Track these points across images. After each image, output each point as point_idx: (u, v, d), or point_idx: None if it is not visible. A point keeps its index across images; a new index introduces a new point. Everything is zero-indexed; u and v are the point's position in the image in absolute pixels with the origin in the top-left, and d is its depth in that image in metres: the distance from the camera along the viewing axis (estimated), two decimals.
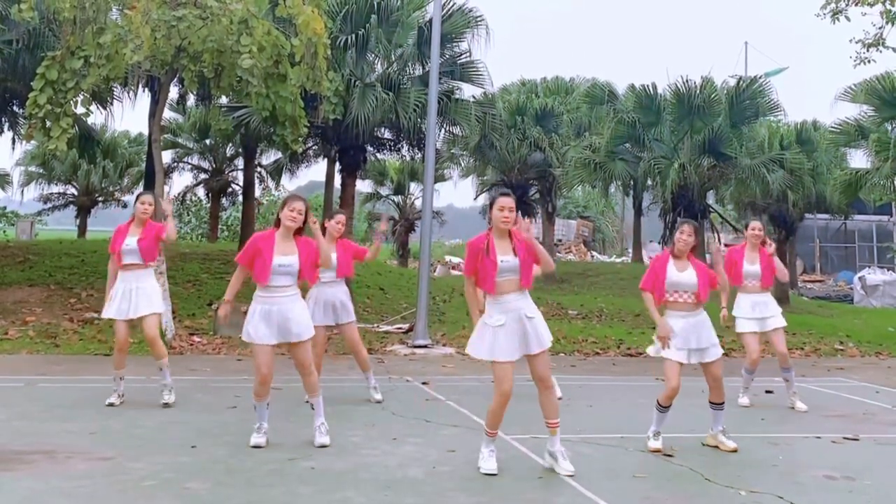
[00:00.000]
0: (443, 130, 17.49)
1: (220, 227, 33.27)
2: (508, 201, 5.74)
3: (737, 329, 8.56)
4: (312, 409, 6.47)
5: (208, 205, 33.30)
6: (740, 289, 8.51)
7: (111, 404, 7.65)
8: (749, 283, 8.47)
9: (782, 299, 24.16)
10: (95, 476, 5.43)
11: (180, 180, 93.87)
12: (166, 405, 7.71)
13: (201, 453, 6.04)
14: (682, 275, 6.45)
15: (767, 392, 9.17)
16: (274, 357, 6.26)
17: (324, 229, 8.11)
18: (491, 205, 5.89)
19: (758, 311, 8.41)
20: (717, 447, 6.57)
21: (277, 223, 6.30)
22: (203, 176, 31.91)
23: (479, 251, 5.71)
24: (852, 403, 9.16)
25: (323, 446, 6.27)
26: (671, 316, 6.49)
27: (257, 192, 29.84)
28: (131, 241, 7.69)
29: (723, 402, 6.57)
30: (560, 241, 41.47)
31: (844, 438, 7.25)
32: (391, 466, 5.84)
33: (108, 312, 7.74)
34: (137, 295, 7.65)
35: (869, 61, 17.21)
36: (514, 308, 5.64)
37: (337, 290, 8.11)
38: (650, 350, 6.72)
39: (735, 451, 6.46)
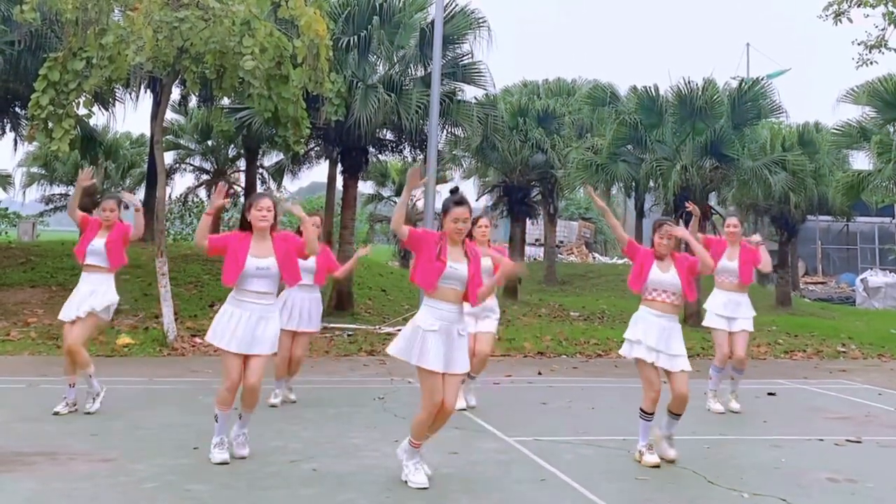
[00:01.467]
0: (444, 132, 17.49)
1: (221, 228, 33.20)
2: (463, 212, 5.38)
3: (706, 323, 8.45)
4: (240, 418, 6.06)
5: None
6: (717, 283, 8.41)
7: (56, 413, 7.22)
8: (724, 279, 8.33)
9: (784, 301, 24.31)
10: (97, 478, 5.42)
11: (182, 181, 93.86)
12: (88, 413, 7.31)
13: (203, 455, 6.02)
14: (664, 275, 6.24)
15: (770, 394, 9.15)
16: (242, 363, 5.89)
17: (299, 232, 8.06)
18: (445, 211, 5.46)
19: (729, 310, 8.28)
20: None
21: (247, 227, 5.95)
22: (205, 177, 31.93)
23: (431, 242, 5.36)
24: (855, 406, 9.14)
25: (242, 458, 5.94)
26: (645, 313, 6.27)
27: None
28: (98, 243, 7.36)
29: (680, 415, 6.27)
30: (562, 242, 41.45)
31: (847, 441, 7.23)
32: (393, 468, 5.82)
33: (62, 313, 7.41)
34: (87, 296, 7.31)
35: (871, 63, 17.21)
36: (448, 319, 5.34)
37: (310, 295, 7.97)
38: (622, 350, 6.44)
39: (673, 461, 6.16)
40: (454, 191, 5.66)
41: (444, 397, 5.33)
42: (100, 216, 7.51)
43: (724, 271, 8.30)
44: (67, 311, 7.38)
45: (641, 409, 6.24)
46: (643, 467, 6.08)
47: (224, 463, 5.82)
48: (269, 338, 5.90)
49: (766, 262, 8.35)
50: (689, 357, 6.32)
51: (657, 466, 6.08)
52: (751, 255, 8.33)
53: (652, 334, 6.18)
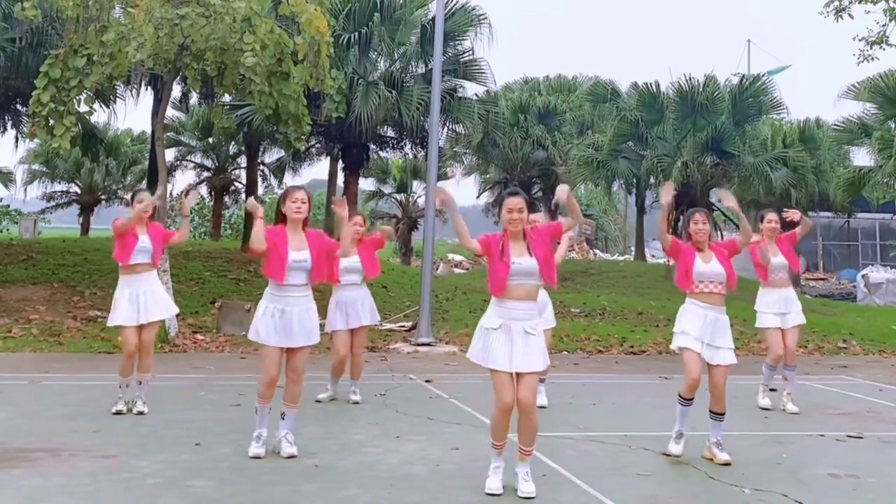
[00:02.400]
0: (445, 128, 17.53)
1: (222, 225, 33.29)
2: (517, 202, 5.31)
3: (759, 324, 8.34)
4: (283, 418, 6.05)
5: (211, 203, 33.36)
6: (766, 283, 8.30)
7: (119, 412, 7.24)
8: (776, 276, 8.23)
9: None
10: (99, 474, 5.43)
11: (183, 178, 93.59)
12: (141, 413, 7.26)
13: (205, 451, 6.04)
14: (707, 266, 6.21)
15: (771, 390, 9.14)
16: (282, 358, 5.97)
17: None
18: (500, 205, 5.50)
19: (782, 307, 8.19)
20: (711, 459, 6.22)
21: (282, 219, 5.99)
22: (206, 174, 31.95)
23: (494, 244, 5.31)
24: (856, 401, 9.15)
25: (291, 457, 5.90)
26: (692, 306, 6.28)
27: (260, 191, 29.87)
28: (145, 240, 7.25)
29: (723, 413, 6.26)
30: None
31: (848, 436, 7.24)
32: (394, 464, 5.84)
33: (115, 319, 7.23)
34: (148, 299, 7.24)
35: (872, 59, 17.20)
36: (516, 317, 5.20)
37: (360, 292, 8.02)
38: (672, 344, 6.51)
39: (728, 464, 6.06)
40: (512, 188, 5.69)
41: (518, 394, 5.19)
42: (136, 208, 7.25)
43: (774, 269, 8.21)
44: (127, 316, 7.15)
45: (679, 395, 6.32)
46: (644, 463, 6.09)
47: (257, 457, 5.86)
48: (310, 329, 5.94)
49: (806, 224, 8.41)
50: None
51: (679, 456, 6.21)
52: (786, 242, 8.33)
53: (698, 325, 6.20)
